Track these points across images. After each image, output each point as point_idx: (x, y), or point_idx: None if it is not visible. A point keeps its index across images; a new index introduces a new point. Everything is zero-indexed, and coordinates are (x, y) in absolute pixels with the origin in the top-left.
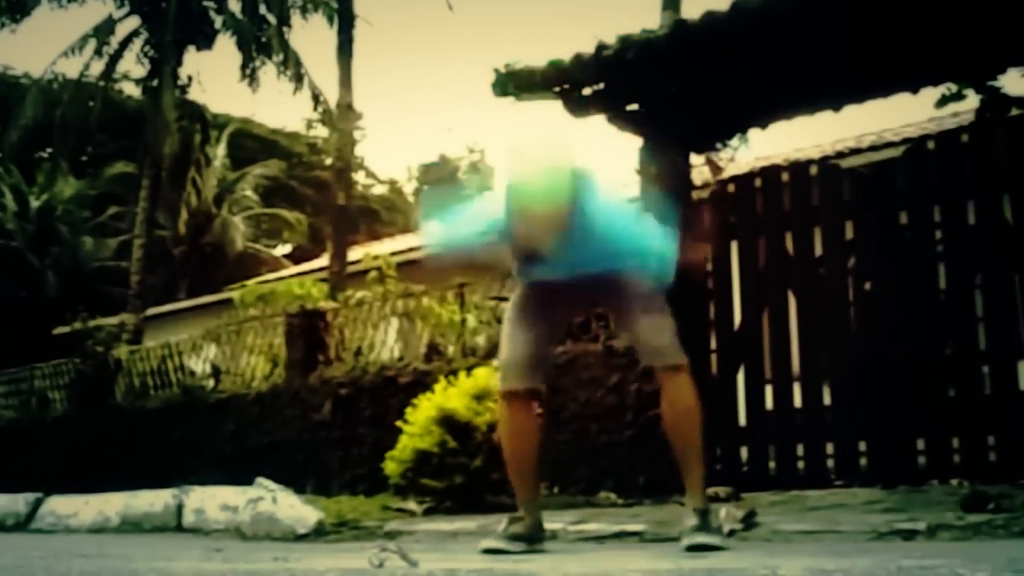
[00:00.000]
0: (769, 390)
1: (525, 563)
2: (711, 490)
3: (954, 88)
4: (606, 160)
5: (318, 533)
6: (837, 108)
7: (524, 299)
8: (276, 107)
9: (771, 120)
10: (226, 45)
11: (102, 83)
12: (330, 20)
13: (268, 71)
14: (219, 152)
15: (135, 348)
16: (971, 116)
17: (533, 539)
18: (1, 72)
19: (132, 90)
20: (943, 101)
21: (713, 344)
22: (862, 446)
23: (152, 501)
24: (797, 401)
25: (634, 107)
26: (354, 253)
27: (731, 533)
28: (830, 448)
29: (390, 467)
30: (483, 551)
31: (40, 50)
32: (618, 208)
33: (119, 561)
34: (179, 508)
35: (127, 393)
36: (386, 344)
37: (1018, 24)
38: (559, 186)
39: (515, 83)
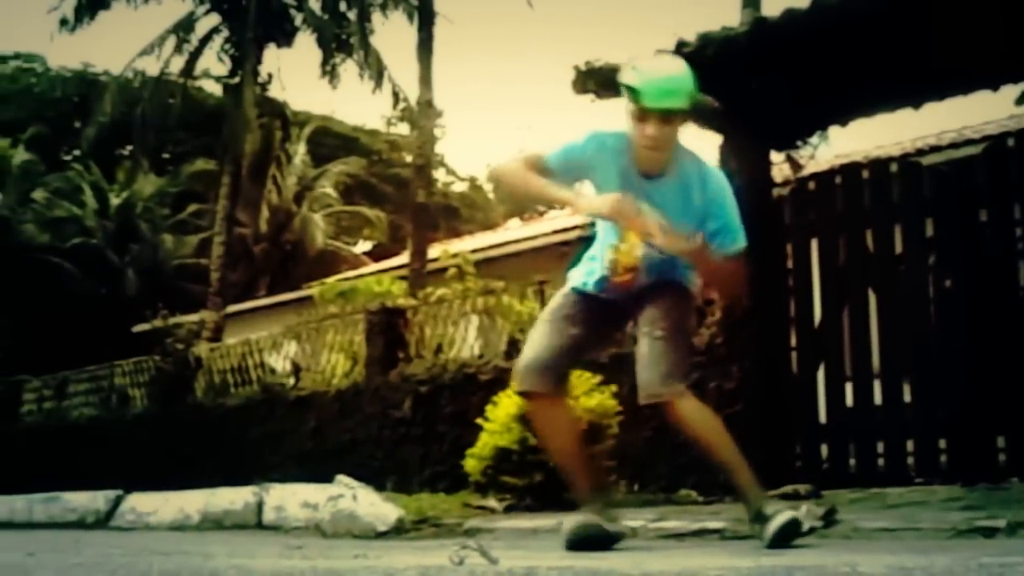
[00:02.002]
0: (849, 387)
1: (605, 560)
2: (791, 487)
3: None
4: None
5: (398, 531)
6: (917, 105)
7: (570, 306)
8: (357, 104)
9: (851, 117)
10: (307, 42)
11: (182, 80)
12: (410, 17)
13: (348, 68)
14: (299, 149)
15: (215, 345)
16: None
17: (598, 539)
18: (81, 70)
19: (212, 87)
20: (1023, 98)
21: (793, 341)
22: (942, 443)
23: (232, 499)
24: (877, 398)
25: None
26: (433, 250)
27: (811, 530)
28: (910, 446)
29: (470, 464)
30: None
31: (120, 48)
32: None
33: (199, 559)
34: (259, 505)
35: (207, 390)
36: (466, 341)
37: None
38: (683, 85)
39: (595, 80)
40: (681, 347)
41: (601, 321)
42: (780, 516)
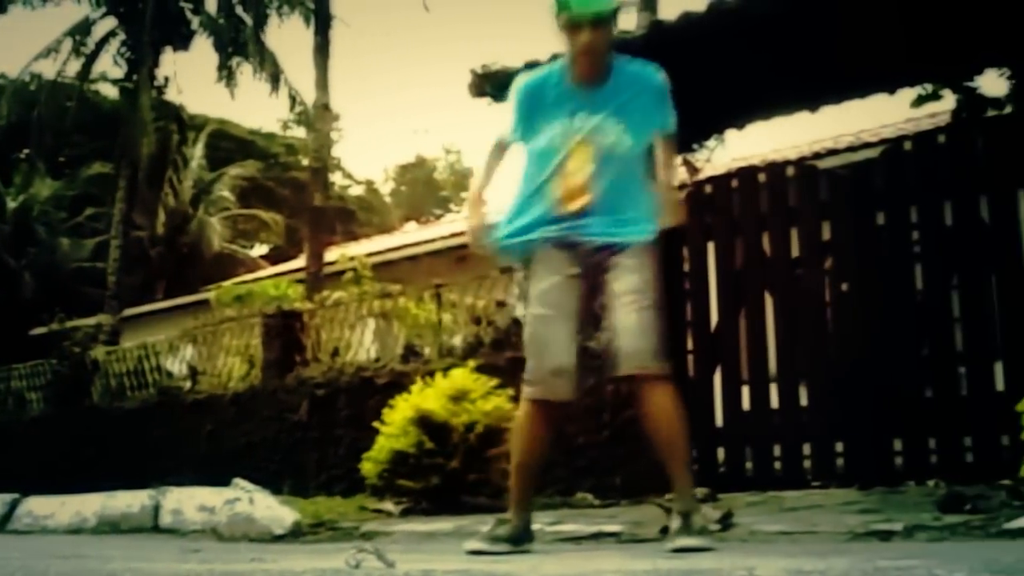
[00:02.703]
0: (746, 391)
1: (502, 564)
2: None
3: (930, 88)
4: None
5: (295, 534)
6: (814, 108)
7: (557, 290)
8: (254, 108)
9: (748, 121)
10: (204, 46)
11: (79, 83)
12: (307, 20)
13: (245, 71)
14: (196, 153)
15: (112, 349)
16: (948, 117)
17: (519, 540)
18: None
19: (109, 91)
20: (920, 101)
21: (690, 345)
22: (839, 447)
23: (129, 502)
24: (774, 402)
25: None
26: (331, 254)
27: (707, 533)
28: (807, 449)
29: (367, 468)
30: (467, 552)
31: (15, 51)
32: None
33: (97, 562)
34: (156, 509)
35: (104, 394)
36: (363, 345)
37: (995, 25)
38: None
39: (491, 84)
40: (661, 323)
41: (584, 297)
42: (690, 539)
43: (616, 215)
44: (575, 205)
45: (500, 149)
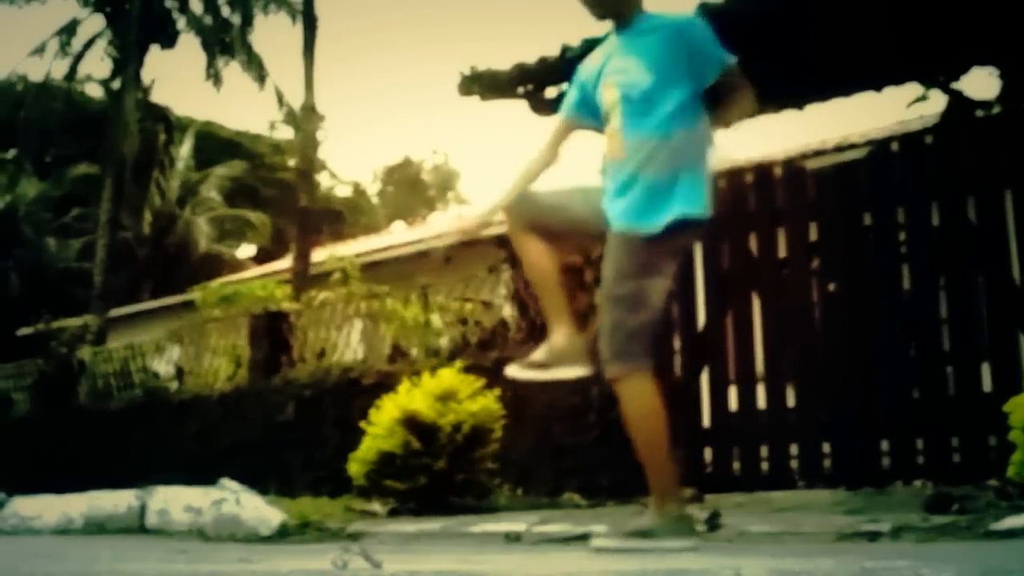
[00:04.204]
0: (733, 391)
1: (487, 564)
2: None
3: (921, 90)
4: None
5: (281, 534)
6: (801, 106)
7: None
8: (241, 111)
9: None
10: (191, 46)
11: (65, 84)
12: (293, 18)
13: (232, 71)
14: (183, 153)
15: (98, 349)
16: (936, 118)
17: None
18: None
19: (96, 91)
20: (914, 102)
21: (677, 345)
22: (826, 447)
23: (115, 502)
24: (761, 402)
25: None
26: (318, 255)
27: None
28: (794, 449)
29: (353, 468)
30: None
31: (0, 51)
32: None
33: (82, 563)
34: (142, 509)
35: (90, 394)
36: (350, 345)
37: (982, 25)
38: None
39: (480, 85)
40: (631, 316)
41: None
42: (607, 541)
43: (642, 189)
44: (615, 151)
45: (560, 130)
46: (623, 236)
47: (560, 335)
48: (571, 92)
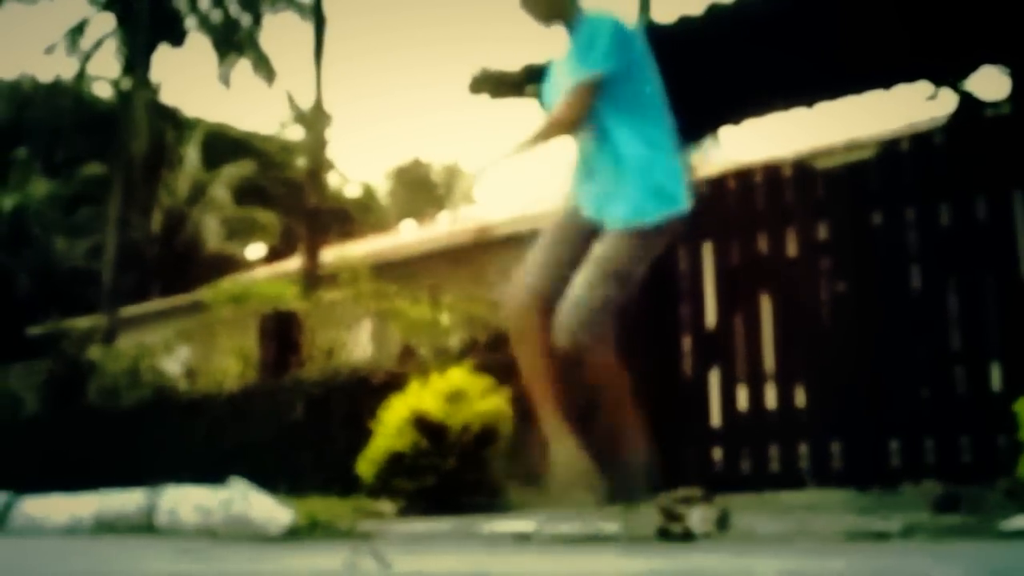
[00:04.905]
0: (742, 391)
1: (497, 564)
2: (683, 491)
3: (930, 89)
4: None
5: (291, 534)
6: (810, 104)
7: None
8: (250, 109)
9: (745, 116)
10: (200, 45)
11: (75, 84)
12: (301, 15)
13: (241, 71)
14: (192, 153)
15: (108, 349)
16: (945, 118)
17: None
18: None
19: (105, 91)
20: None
21: (686, 345)
22: (835, 447)
23: (124, 502)
24: (771, 402)
25: None
26: (327, 254)
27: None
28: (804, 449)
29: (363, 468)
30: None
31: (8, 50)
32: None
33: (92, 563)
34: (152, 509)
35: (100, 394)
36: (359, 345)
37: (992, 24)
38: None
39: (490, 84)
40: (612, 296)
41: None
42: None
43: (602, 185)
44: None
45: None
46: (623, 229)
47: (562, 456)
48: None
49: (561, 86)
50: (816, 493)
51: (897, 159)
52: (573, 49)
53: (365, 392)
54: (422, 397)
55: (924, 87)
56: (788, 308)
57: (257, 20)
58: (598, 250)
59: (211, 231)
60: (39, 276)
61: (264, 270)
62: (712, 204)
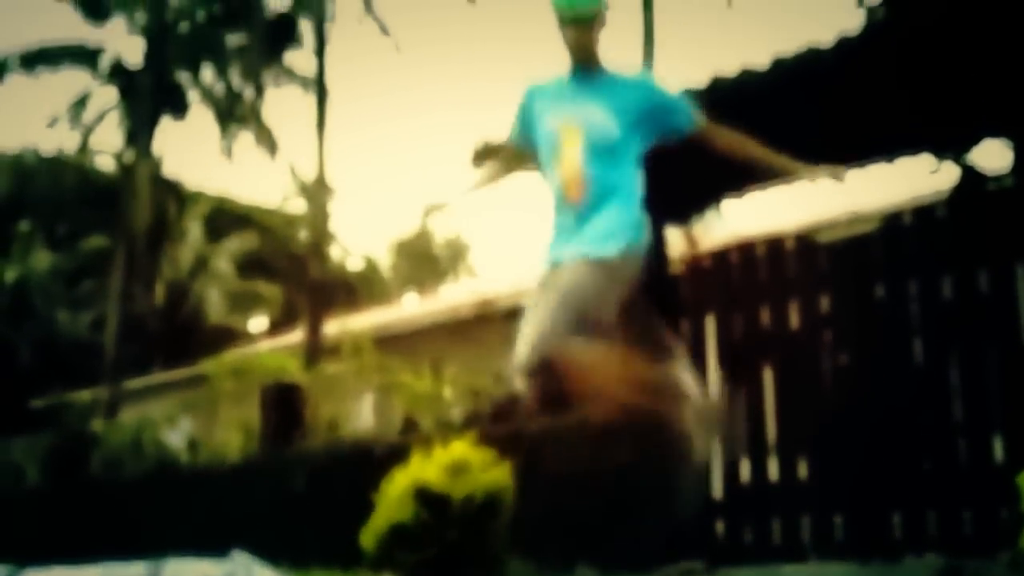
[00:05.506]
0: (745, 463)
1: None
2: (685, 564)
3: (932, 162)
4: None
5: None
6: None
7: None
8: (252, 183)
9: (747, 188)
10: (202, 118)
11: (77, 157)
12: (303, 87)
13: (243, 143)
14: (194, 226)
15: (110, 421)
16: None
17: None
18: None
19: (108, 163)
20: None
21: None
22: (838, 520)
23: (127, 574)
24: (773, 474)
25: None
26: (330, 327)
27: None
28: (806, 522)
29: (366, 540)
30: None
31: (10, 123)
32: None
33: None
34: None
35: (103, 466)
36: (361, 417)
37: (995, 96)
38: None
39: (492, 156)
40: (560, 320)
41: None
42: None
43: (603, 221)
44: (573, 193)
45: (504, 157)
46: (584, 260)
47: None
48: (517, 118)
49: (594, 129)
50: (818, 566)
51: (900, 232)
52: (608, 95)
53: (367, 464)
54: (424, 469)
55: (927, 159)
56: (790, 380)
57: (260, 93)
58: (559, 281)
59: (213, 304)
60: (41, 348)
61: (266, 342)
62: (715, 277)
